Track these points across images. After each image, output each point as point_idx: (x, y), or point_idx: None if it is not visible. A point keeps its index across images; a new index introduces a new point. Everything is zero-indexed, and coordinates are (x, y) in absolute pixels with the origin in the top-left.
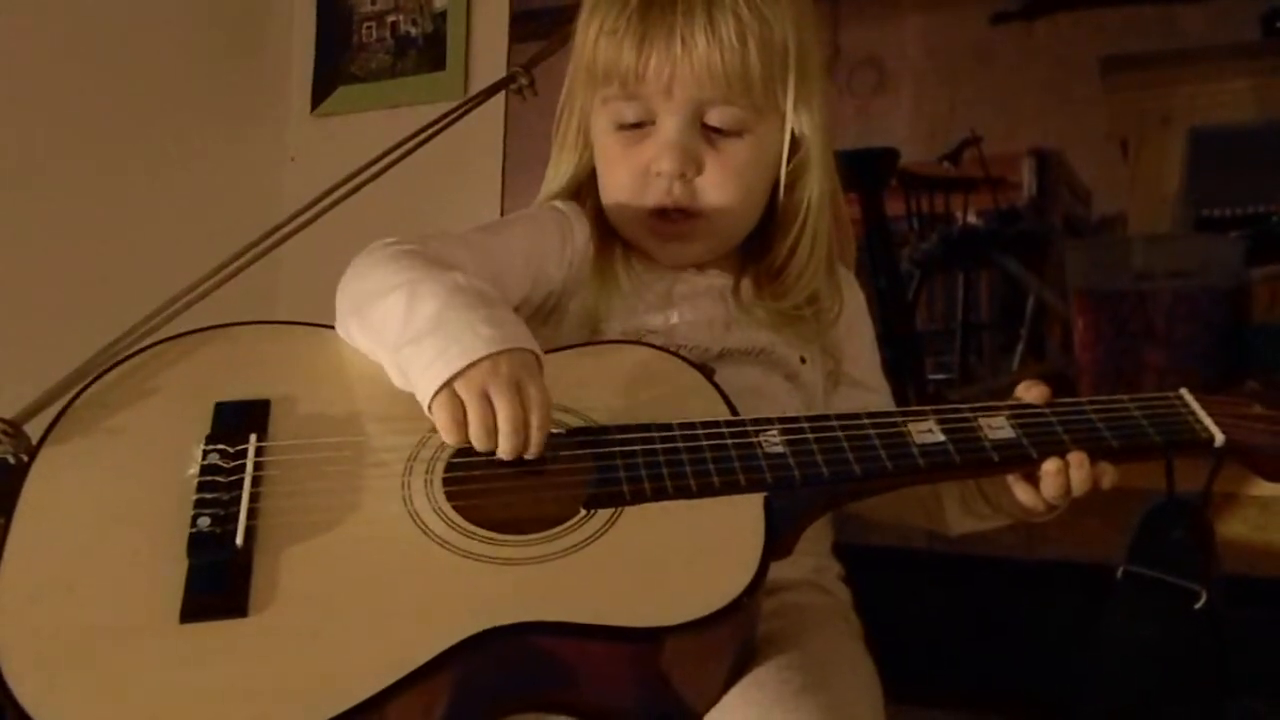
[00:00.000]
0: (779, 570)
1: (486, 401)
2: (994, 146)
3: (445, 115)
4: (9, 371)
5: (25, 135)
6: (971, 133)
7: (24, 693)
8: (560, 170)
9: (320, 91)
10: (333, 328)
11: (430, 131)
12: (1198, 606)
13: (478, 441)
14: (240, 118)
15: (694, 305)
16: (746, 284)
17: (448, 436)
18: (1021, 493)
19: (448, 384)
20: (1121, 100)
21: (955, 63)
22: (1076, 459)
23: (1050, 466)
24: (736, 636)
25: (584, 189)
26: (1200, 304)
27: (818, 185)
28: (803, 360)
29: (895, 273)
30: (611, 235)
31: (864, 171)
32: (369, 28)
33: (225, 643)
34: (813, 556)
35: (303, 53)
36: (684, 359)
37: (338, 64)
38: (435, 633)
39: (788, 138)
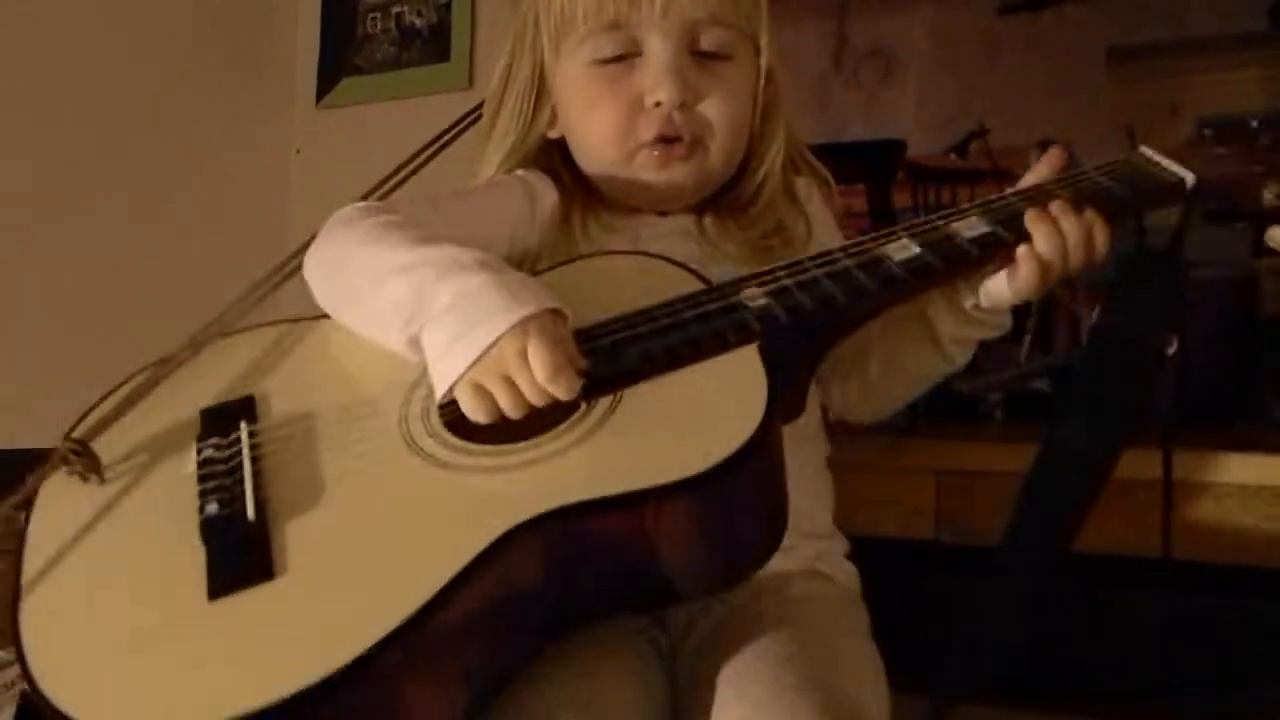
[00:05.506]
0: (780, 562)
1: (508, 383)
2: (1001, 138)
3: (460, 121)
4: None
5: (28, 130)
6: (979, 125)
7: (62, 700)
8: (500, 144)
9: (325, 84)
10: (299, 321)
11: (444, 140)
12: (1170, 352)
13: (514, 414)
14: (245, 110)
15: (661, 249)
16: (709, 220)
17: (479, 418)
18: (1015, 274)
19: (465, 374)
20: (1129, 90)
21: (962, 54)
22: (1059, 207)
23: (1034, 212)
24: (768, 474)
25: (530, 160)
26: (1209, 294)
27: (783, 122)
28: None
29: None
30: (568, 200)
31: (871, 163)
32: (373, 19)
33: (260, 604)
34: (812, 540)
35: (307, 45)
36: (660, 256)
37: (342, 56)
38: (468, 539)
39: (764, 65)
